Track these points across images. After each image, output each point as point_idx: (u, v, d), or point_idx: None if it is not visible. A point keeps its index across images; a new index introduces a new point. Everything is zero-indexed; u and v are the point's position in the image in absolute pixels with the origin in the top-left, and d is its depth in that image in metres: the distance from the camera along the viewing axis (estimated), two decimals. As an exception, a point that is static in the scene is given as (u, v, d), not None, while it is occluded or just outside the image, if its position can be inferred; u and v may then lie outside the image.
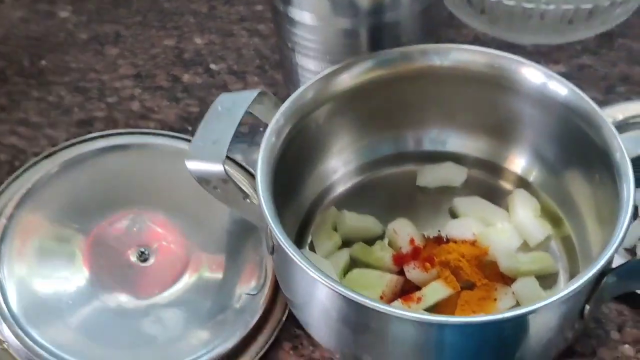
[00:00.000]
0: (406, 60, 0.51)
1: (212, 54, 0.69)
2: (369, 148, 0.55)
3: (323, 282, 0.40)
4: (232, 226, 0.52)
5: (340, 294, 0.39)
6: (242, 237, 0.51)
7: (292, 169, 0.49)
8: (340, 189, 0.54)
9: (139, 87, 0.66)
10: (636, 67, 0.64)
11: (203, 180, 0.44)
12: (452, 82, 0.51)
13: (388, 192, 0.54)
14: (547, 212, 0.52)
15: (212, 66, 0.68)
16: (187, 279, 0.49)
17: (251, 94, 0.47)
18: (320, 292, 0.41)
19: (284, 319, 0.49)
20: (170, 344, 0.46)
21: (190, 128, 0.62)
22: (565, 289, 0.39)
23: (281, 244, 0.41)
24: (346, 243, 0.51)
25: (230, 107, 0.46)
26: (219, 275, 0.49)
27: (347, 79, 0.50)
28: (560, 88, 0.48)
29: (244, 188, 0.49)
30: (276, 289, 0.49)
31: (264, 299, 0.48)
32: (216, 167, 0.43)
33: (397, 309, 0.39)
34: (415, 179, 0.54)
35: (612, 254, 0.40)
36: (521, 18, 0.62)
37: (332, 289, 0.40)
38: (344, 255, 0.50)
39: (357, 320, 0.41)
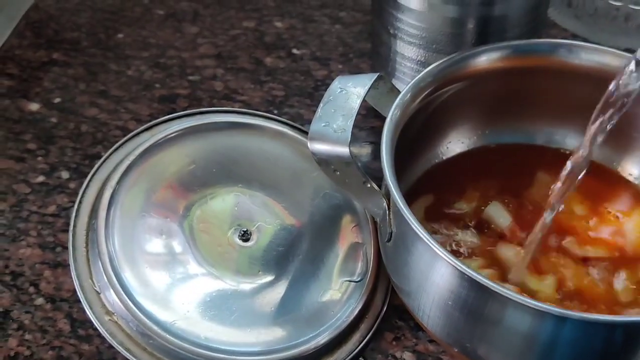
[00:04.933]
0: (553, 53, 0.49)
1: (293, 39, 0.68)
2: (484, 136, 0.53)
3: (465, 271, 0.39)
4: (331, 210, 0.51)
5: (477, 281, 0.38)
6: (340, 221, 0.50)
7: (406, 150, 0.48)
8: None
9: (221, 67, 0.65)
10: None
11: (324, 162, 0.43)
12: (588, 82, 0.49)
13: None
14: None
15: (295, 51, 0.67)
16: (289, 262, 0.48)
17: (371, 77, 0.46)
18: (449, 280, 0.40)
19: (384, 309, 0.48)
20: (275, 326, 0.45)
21: (276, 112, 0.61)
22: None
23: (414, 228, 0.40)
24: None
25: (349, 89, 0.45)
26: (319, 260, 0.48)
27: (484, 62, 0.49)
28: None
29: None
30: (377, 278, 0.48)
31: (366, 286, 0.47)
32: (342, 150, 0.42)
33: (546, 305, 0.37)
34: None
35: None
36: (607, 17, 0.61)
37: (476, 280, 0.38)
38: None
39: (485, 308, 0.39)
